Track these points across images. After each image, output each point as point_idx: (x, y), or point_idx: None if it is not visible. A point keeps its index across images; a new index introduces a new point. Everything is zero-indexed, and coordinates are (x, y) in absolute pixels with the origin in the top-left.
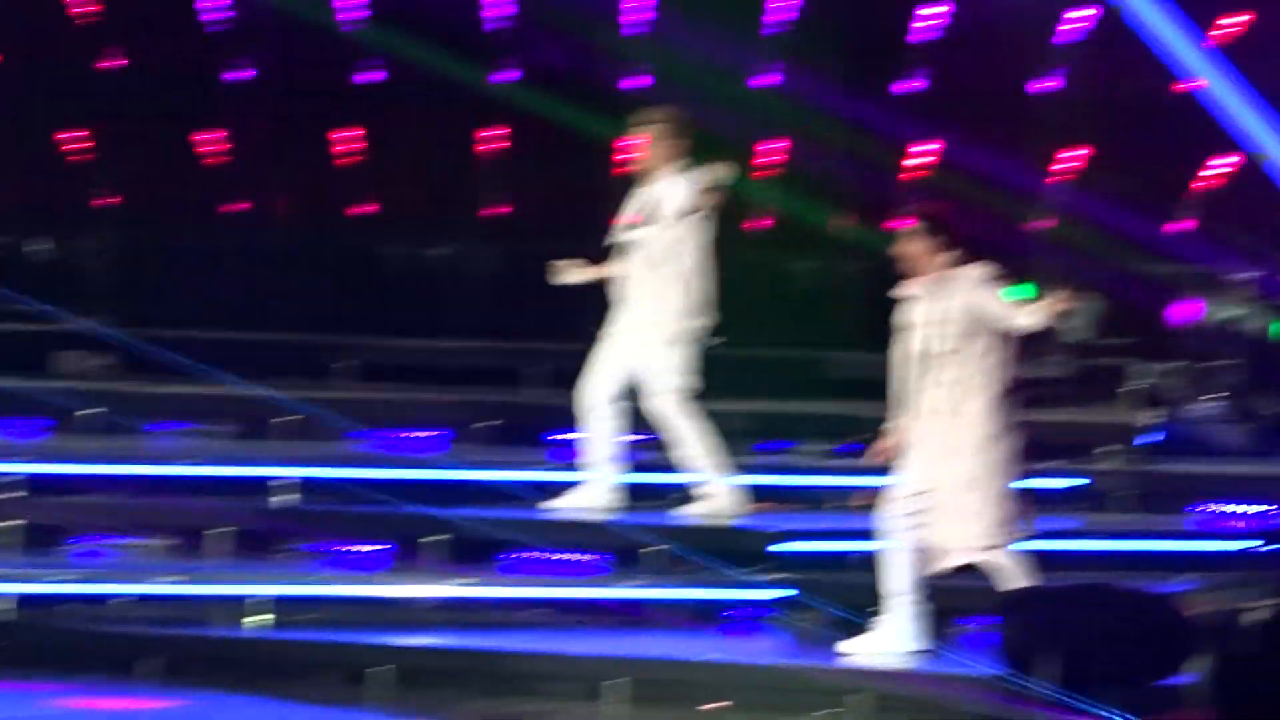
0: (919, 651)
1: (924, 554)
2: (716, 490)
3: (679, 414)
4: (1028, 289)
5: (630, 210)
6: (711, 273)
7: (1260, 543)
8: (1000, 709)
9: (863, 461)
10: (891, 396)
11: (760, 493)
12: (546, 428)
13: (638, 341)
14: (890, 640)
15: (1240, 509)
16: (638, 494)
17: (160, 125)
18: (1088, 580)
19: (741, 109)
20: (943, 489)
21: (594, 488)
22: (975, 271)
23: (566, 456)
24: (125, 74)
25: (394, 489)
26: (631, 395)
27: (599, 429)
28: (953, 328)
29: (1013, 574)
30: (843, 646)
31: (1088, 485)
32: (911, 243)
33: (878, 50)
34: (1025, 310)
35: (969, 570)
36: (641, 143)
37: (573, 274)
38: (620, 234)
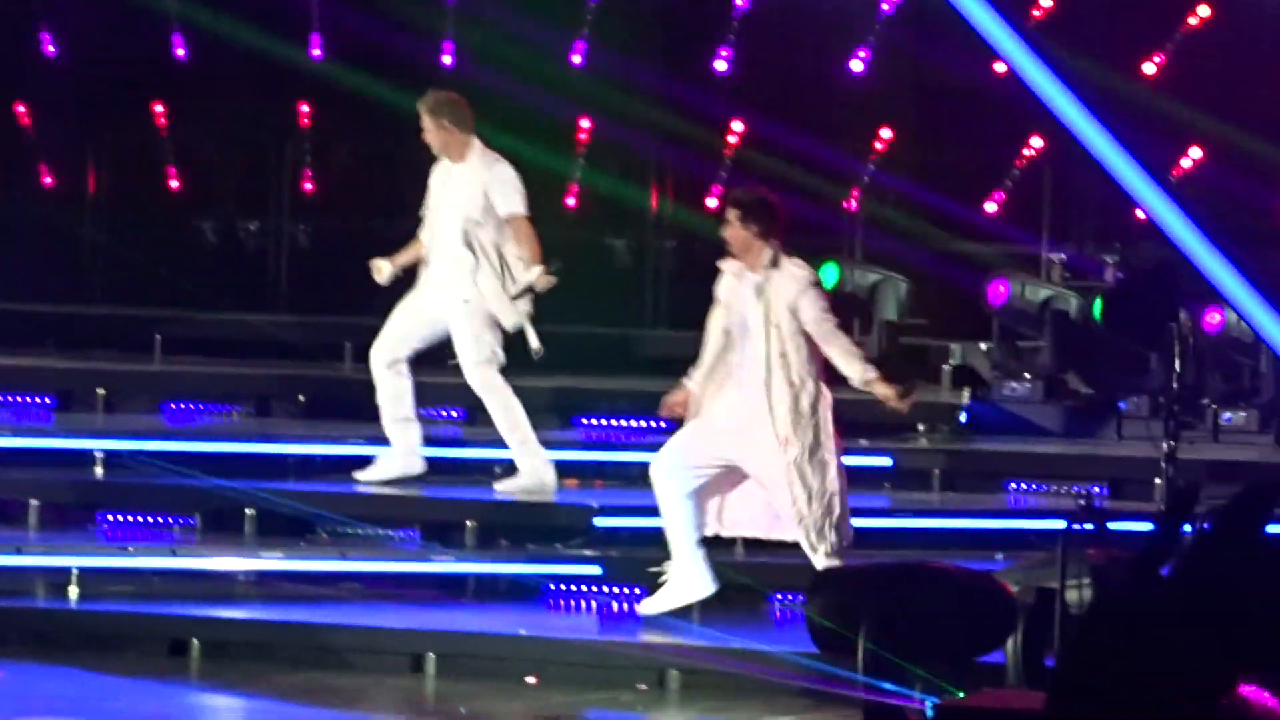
0: (709, 595)
1: (702, 503)
2: (530, 466)
3: (490, 388)
4: (830, 268)
5: (432, 191)
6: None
7: (1070, 521)
8: (809, 687)
9: (659, 412)
10: (700, 359)
11: (572, 468)
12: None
13: (444, 314)
14: (681, 592)
15: (1051, 488)
16: (455, 468)
17: None
18: (898, 558)
19: (556, 87)
20: (749, 461)
21: (393, 455)
22: (801, 273)
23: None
24: None
25: (205, 462)
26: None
27: (387, 393)
28: (772, 315)
29: (820, 555)
30: (641, 608)
31: (895, 464)
32: (731, 228)
33: (693, 28)
34: (860, 370)
35: (775, 546)
36: (427, 127)
37: (386, 270)
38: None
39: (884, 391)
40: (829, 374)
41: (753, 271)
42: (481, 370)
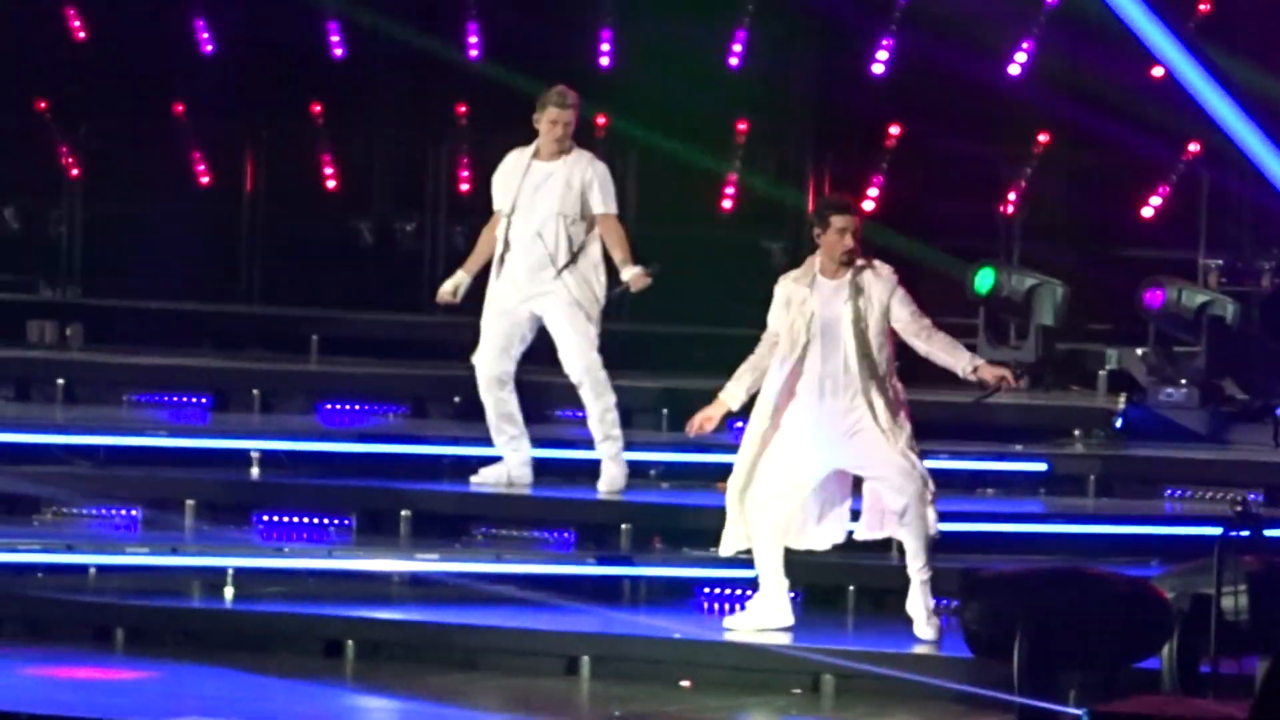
0: (783, 629)
1: (785, 530)
2: (617, 465)
3: (597, 379)
4: (986, 273)
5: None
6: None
7: (1226, 528)
8: (964, 692)
9: (688, 429)
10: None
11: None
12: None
13: (539, 313)
14: (762, 618)
15: (1207, 494)
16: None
17: None
18: (1053, 564)
19: (713, 86)
20: (864, 461)
21: (507, 466)
22: (891, 273)
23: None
24: None
25: (360, 463)
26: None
27: (501, 413)
28: (862, 316)
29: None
30: (727, 622)
31: (1050, 469)
32: (855, 232)
33: (850, 28)
34: (966, 359)
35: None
36: (564, 120)
37: (462, 286)
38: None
39: (992, 373)
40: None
41: (841, 276)
42: (590, 360)
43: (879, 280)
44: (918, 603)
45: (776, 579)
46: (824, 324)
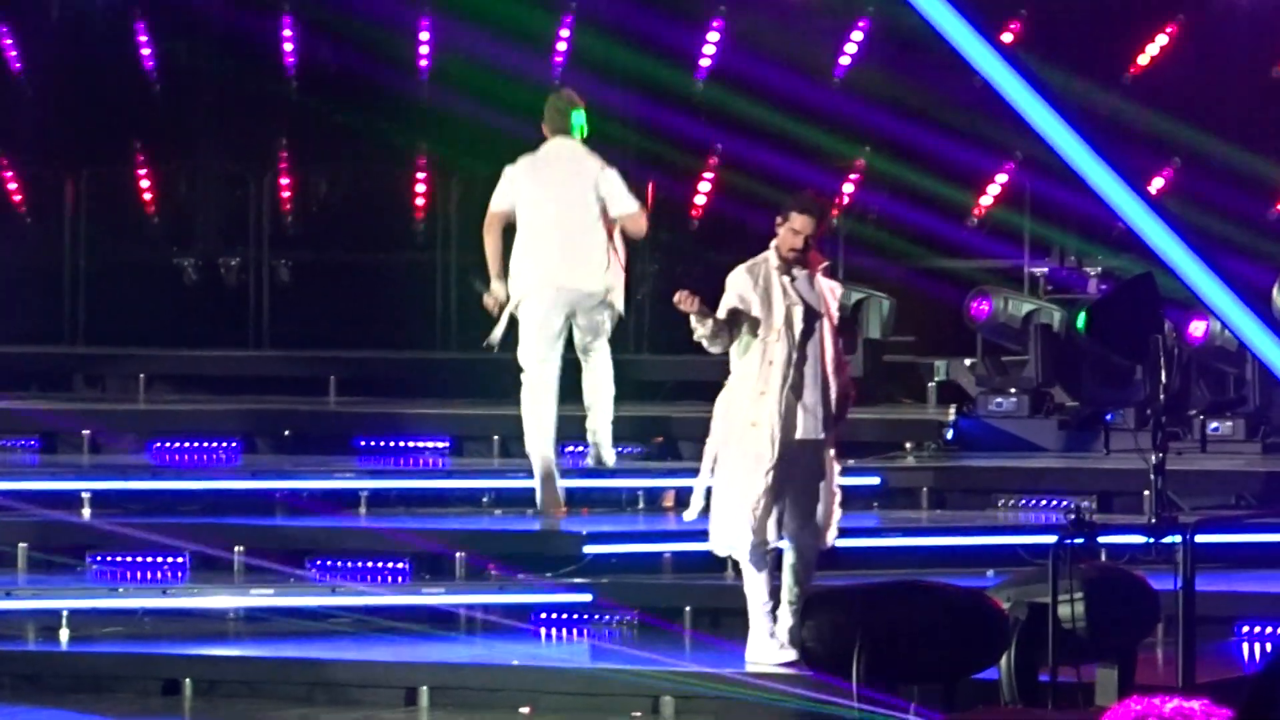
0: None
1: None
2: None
3: (608, 359)
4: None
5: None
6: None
7: (1060, 536)
8: (805, 707)
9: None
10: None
11: (570, 495)
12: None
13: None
14: (759, 649)
15: (1040, 503)
16: (443, 499)
17: None
18: (889, 578)
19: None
20: (806, 466)
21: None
22: (826, 274)
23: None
24: None
25: (193, 500)
26: None
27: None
28: (814, 318)
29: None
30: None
31: (883, 483)
32: (818, 225)
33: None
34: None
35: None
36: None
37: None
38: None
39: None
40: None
41: (809, 269)
42: (606, 344)
43: (831, 288)
44: (786, 624)
45: (762, 617)
46: (806, 314)
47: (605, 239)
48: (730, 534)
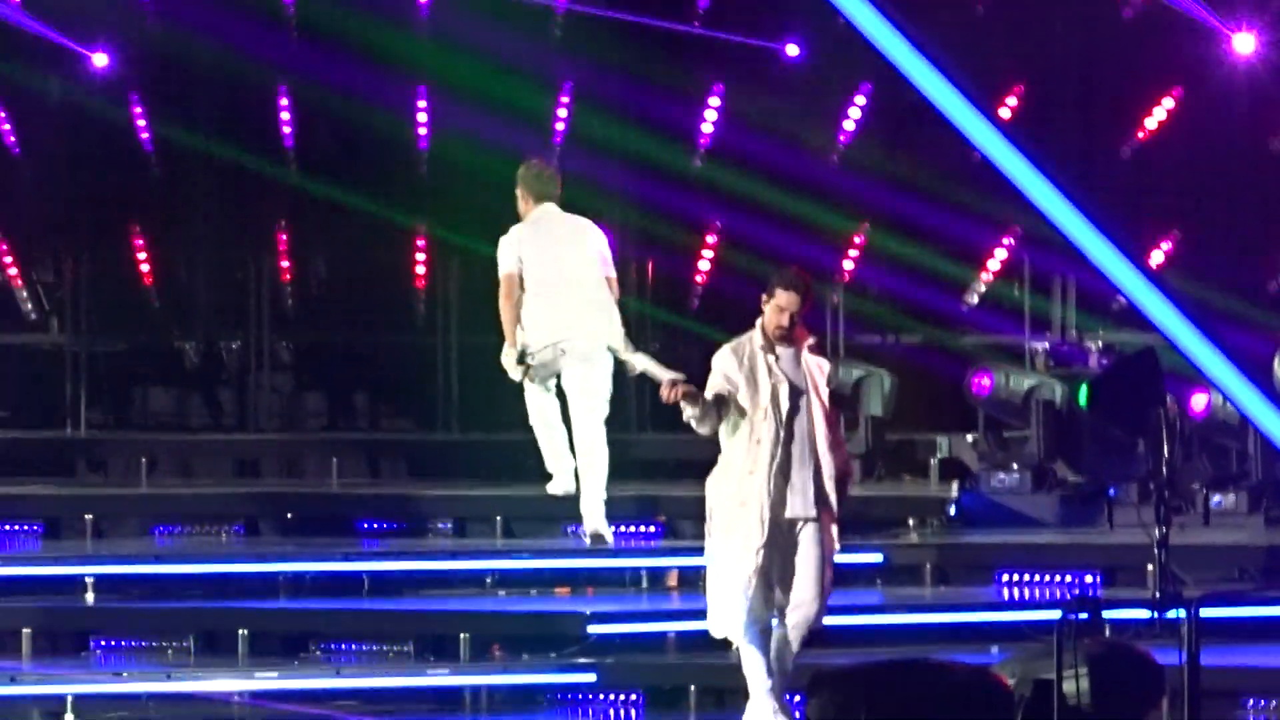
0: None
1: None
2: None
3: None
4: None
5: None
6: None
7: (1064, 612)
8: None
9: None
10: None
11: (564, 576)
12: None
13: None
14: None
15: (1044, 578)
16: (446, 581)
17: None
18: (894, 656)
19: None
20: (802, 543)
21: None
22: (814, 350)
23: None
24: None
25: (196, 584)
26: None
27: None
28: (800, 395)
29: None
30: None
31: (885, 560)
32: (802, 303)
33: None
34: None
35: None
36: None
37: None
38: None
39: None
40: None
41: (795, 346)
42: (606, 407)
43: (819, 364)
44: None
45: (764, 693)
46: (791, 392)
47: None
48: (724, 615)
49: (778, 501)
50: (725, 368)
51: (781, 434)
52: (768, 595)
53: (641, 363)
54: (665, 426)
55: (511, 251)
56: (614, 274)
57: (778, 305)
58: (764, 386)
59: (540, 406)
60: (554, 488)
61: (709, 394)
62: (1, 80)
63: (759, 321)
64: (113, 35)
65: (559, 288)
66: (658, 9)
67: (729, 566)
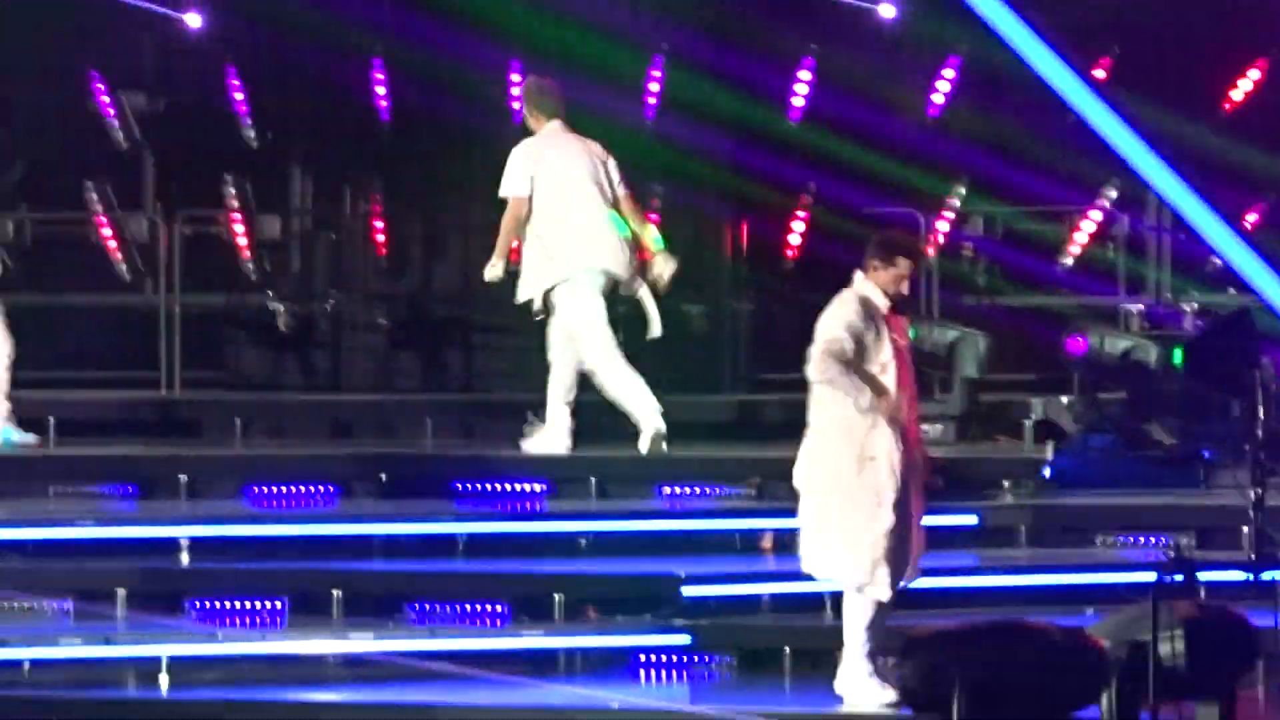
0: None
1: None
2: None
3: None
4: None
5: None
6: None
7: (1159, 573)
8: None
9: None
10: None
11: (656, 539)
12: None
13: None
14: (860, 689)
15: (1139, 540)
16: (540, 542)
17: None
18: (988, 618)
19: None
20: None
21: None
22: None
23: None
24: None
25: (290, 545)
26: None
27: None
28: (903, 353)
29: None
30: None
31: (980, 521)
32: (910, 271)
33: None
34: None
35: None
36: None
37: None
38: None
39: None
40: None
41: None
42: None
43: (903, 325)
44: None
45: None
46: (899, 352)
47: None
48: (868, 574)
49: (901, 456)
50: (855, 329)
51: (898, 391)
52: (904, 550)
53: (644, 297)
54: (762, 388)
55: (524, 171)
56: (625, 191)
57: (899, 273)
58: (887, 345)
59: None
60: (644, 441)
61: (847, 358)
62: (94, 44)
63: (869, 282)
64: None
65: (577, 214)
66: None
67: (863, 524)
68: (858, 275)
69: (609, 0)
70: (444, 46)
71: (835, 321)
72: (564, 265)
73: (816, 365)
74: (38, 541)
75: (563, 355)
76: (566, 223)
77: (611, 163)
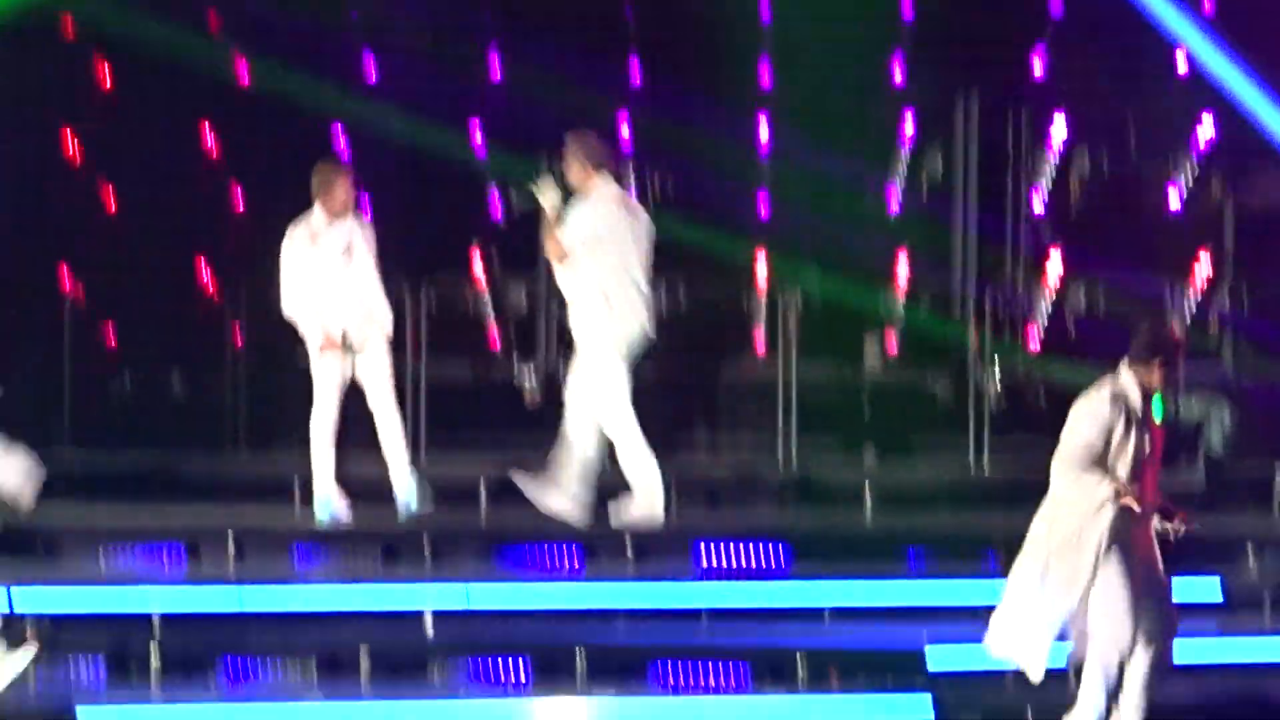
0: None
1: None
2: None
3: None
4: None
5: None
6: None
7: None
8: None
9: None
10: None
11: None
12: None
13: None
14: None
15: None
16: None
17: None
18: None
19: (859, 223)
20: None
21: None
22: None
23: None
24: None
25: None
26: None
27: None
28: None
29: None
30: None
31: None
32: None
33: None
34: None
35: None
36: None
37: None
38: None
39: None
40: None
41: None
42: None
43: None
44: None
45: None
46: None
47: None
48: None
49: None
50: (1107, 428)
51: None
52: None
53: None
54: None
55: (598, 214)
56: None
57: (1169, 374)
58: (1133, 438)
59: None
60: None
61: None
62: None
63: (1131, 373)
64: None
65: (633, 275)
66: None
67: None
68: (1122, 366)
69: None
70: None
71: (1087, 422)
72: (626, 326)
73: (1063, 466)
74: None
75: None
76: (626, 283)
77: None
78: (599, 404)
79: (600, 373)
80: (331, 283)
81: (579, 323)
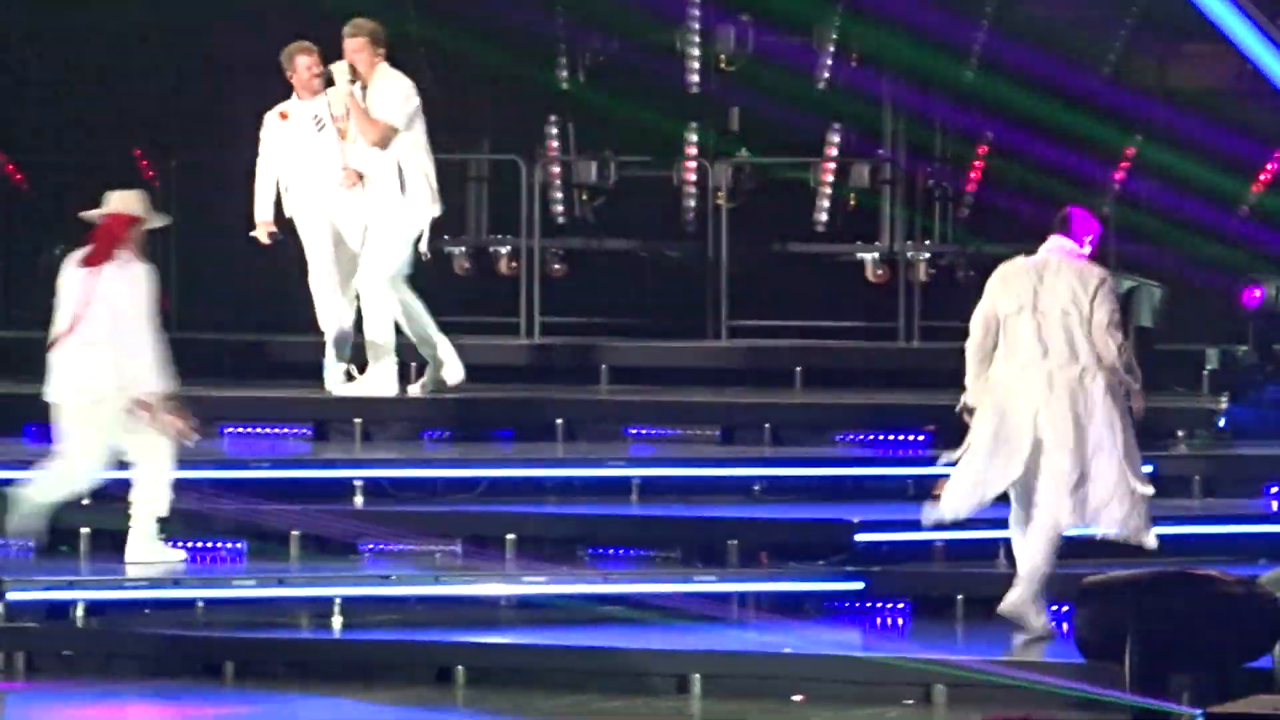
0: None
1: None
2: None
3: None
4: None
5: None
6: None
7: None
8: (1076, 698)
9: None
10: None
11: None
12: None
13: None
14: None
15: None
16: (719, 487)
17: None
18: (1161, 567)
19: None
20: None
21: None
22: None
23: None
24: None
25: (465, 487)
26: None
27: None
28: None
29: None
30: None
31: (1155, 471)
32: None
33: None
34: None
35: None
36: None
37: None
38: None
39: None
40: None
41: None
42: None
43: None
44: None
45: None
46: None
47: None
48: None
49: None
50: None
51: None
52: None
53: None
54: (933, 336)
55: None
56: None
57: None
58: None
59: None
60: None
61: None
62: None
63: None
64: None
65: None
66: None
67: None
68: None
69: None
70: None
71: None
72: None
73: (1121, 356)
74: (213, 481)
75: None
76: None
77: None
78: (374, 278)
79: (385, 248)
80: (306, 152)
81: (374, 200)
